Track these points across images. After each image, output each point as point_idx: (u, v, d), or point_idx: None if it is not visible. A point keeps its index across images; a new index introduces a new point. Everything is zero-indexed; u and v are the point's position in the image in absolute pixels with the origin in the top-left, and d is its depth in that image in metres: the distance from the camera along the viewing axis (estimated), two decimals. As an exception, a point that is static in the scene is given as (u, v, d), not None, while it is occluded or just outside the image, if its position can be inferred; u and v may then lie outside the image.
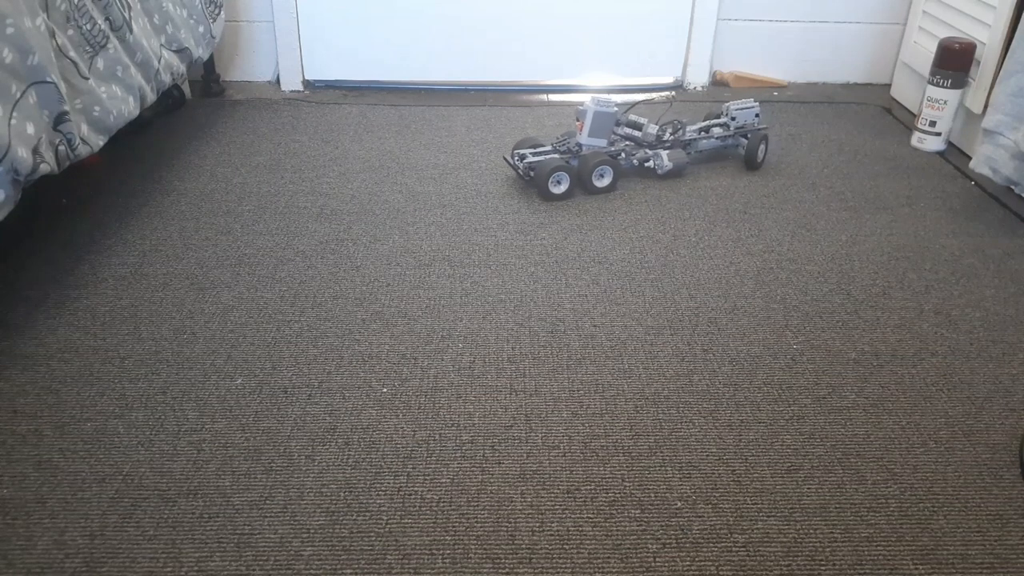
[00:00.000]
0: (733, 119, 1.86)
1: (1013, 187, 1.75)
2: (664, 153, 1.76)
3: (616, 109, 1.72)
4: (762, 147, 1.84)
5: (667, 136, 1.82)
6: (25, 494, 0.97)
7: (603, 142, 1.74)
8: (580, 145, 1.74)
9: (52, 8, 1.28)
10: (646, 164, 1.79)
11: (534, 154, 1.74)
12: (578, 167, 1.71)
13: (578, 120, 1.72)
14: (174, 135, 2.01)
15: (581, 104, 1.72)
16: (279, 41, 2.32)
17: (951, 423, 1.12)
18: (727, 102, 1.89)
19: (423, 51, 2.36)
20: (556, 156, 1.72)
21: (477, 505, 0.97)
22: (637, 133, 1.80)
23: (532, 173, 1.71)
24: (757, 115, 1.87)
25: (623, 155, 1.78)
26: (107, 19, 1.45)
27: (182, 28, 1.82)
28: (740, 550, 0.92)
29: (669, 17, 2.37)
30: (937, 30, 2.12)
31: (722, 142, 1.87)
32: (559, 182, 1.66)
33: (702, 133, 1.86)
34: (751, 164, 1.84)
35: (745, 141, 1.86)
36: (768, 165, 1.92)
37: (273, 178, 1.80)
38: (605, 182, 1.70)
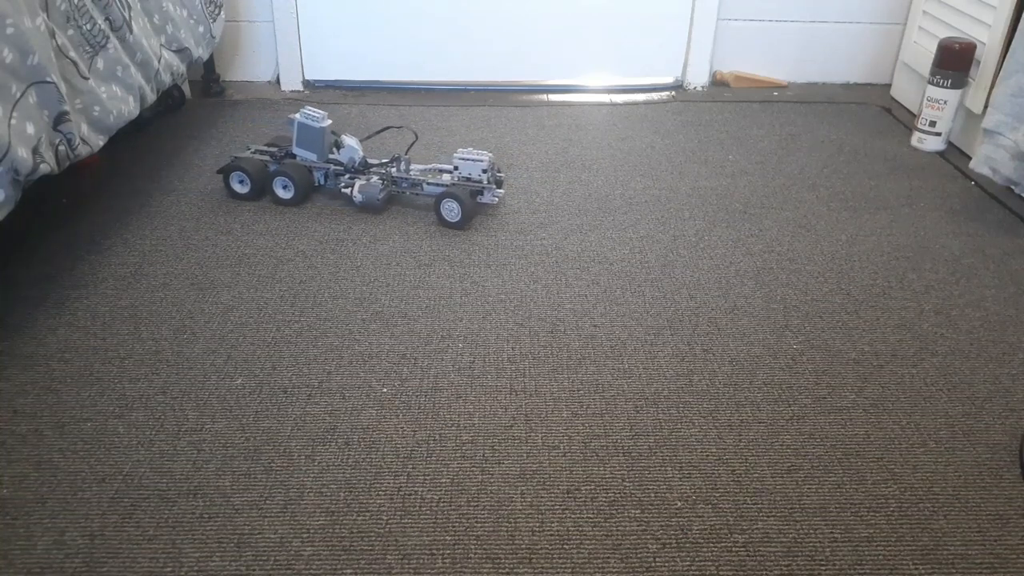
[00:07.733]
0: (456, 168, 1.66)
1: (1013, 187, 1.75)
2: (358, 183, 1.66)
3: (327, 124, 1.67)
4: (451, 205, 1.59)
5: (376, 167, 1.72)
6: (25, 494, 0.97)
7: (314, 155, 1.70)
8: (292, 154, 1.73)
9: (52, 8, 1.28)
10: (343, 189, 1.69)
11: (254, 152, 1.75)
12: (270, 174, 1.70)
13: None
14: (174, 135, 2.00)
15: (290, 115, 1.70)
16: (279, 41, 2.32)
17: (951, 423, 1.12)
18: (458, 150, 1.67)
19: (423, 51, 2.36)
20: (264, 158, 1.72)
21: (477, 505, 0.97)
22: (336, 155, 1.72)
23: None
24: (484, 171, 1.63)
25: (331, 175, 1.72)
26: (107, 19, 1.45)
27: (182, 28, 1.82)
28: (740, 550, 0.92)
29: (669, 17, 2.37)
30: (937, 30, 2.12)
31: (447, 189, 1.62)
32: (241, 182, 1.69)
33: (426, 175, 1.69)
34: (440, 219, 1.62)
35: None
36: (768, 165, 1.91)
37: (273, 178, 1.80)
38: (288, 194, 1.68)
